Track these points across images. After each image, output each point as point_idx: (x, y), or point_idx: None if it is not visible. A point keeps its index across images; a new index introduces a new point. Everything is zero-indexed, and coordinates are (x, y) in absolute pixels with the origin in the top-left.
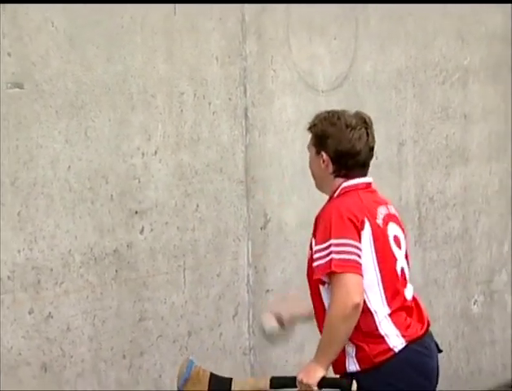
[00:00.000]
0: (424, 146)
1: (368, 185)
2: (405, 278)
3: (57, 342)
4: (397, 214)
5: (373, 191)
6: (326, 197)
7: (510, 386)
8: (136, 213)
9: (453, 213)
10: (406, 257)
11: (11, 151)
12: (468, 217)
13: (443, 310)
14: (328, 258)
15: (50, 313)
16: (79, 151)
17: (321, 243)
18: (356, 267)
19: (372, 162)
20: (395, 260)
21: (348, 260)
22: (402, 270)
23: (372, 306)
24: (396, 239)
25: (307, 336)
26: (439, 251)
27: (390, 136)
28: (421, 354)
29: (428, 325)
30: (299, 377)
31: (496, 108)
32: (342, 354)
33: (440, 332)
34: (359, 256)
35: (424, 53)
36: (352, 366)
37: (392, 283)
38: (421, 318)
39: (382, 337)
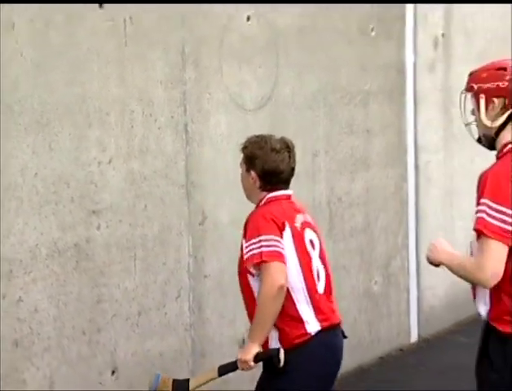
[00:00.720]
0: (333, 155)
1: (289, 197)
2: (319, 276)
3: (26, 322)
4: (312, 222)
5: (292, 202)
6: (244, 199)
7: (401, 349)
8: (93, 212)
9: (357, 211)
10: (322, 258)
11: None
12: (369, 214)
13: (349, 290)
14: (259, 250)
15: (20, 297)
16: (44, 161)
17: (253, 239)
18: (281, 257)
19: None
20: (310, 258)
21: (275, 251)
22: (316, 268)
23: (295, 293)
24: (311, 242)
25: (238, 311)
26: (346, 242)
27: (306, 148)
28: (332, 337)
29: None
30: (238, 356)
31: (391, 124)
32: (268, 337)
33: (347, 308)
34: (282, 248)
35: (333, 79)
36: (275, 346)
37: (309, 276)
38: (333, 310)
39: (302, 322)
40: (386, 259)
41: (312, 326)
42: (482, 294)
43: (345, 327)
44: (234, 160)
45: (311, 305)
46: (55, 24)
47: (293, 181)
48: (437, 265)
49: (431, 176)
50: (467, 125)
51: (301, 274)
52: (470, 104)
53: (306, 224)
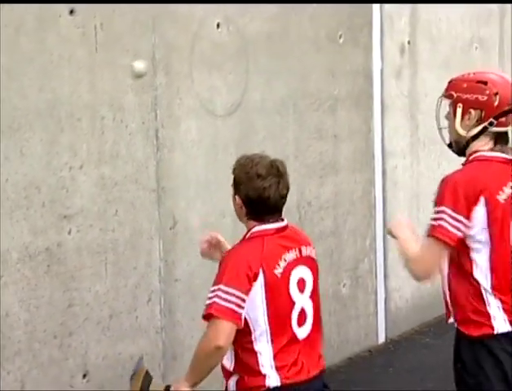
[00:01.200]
0: (303, 160)
1: (279, 230)
2: (304, 319)
3: None
4: (312, 255)
5: (283, 237)
6: (225, 202)
7: (369, 350)
8: (65, 217)
9: (326, 215)
10: (312, 297)
11: None
12: (338, 218)
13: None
14: (211, 301)
15: None
16: (16, 166)
17: (213, 286)
18: (232, 315)
19: None
20: (292, 304)
21: (227, 307)
22: (302, 311)
23: (258, 347)
24: (301, 282)
25: None
26: (315, 245)
27: (276, 152)
28: None
29: (321, 369)
30: (172, 386)
31: (359, 130)
32: (228, 377)
33: None
34: (239, 306)
35: (302, 85)
36: (232, 388)
37: (281, 328)
38: (312, 361)
39: (263, 375)
40: (355, 262)
41: (272, 380)
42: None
43: None
44: (204, 166)
45: (273, 360)
46: (26, 29)
47: None
48: (395, 237)
49: (398, 180)
50: (441, 129)
51: (268, 326)
52: (445, 109)
53: (296, 261)
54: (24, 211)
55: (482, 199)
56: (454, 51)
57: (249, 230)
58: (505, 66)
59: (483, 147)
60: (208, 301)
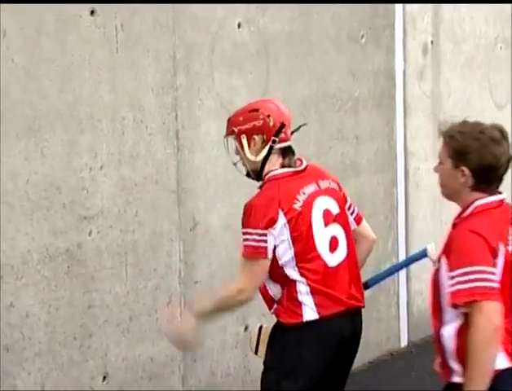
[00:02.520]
0: (324, 161)
1: (500, 203)
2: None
3: (17, 327)
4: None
5: (506, 211)
6: (236, 205)
7: (391, 354)
8: (85, 218)
9: None
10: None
11: None
12: None
13: None
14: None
15: (11, 302)
16: (36, 167)
17: (460, 268)
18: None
19: None
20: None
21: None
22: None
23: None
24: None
25: (229, 317)
26: None
27: (297, 153)
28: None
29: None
30: None
31: (380, 131)
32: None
33: None
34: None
35: (323, 86)
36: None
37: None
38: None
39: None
40: (376, 264)
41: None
42: None
43: None
44: (224, 166)
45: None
46: (47, 30)
47: None
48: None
49: (420, 182)
50: (235, 164)
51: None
52: (233, 146)
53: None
54: (45, 212)
55: (280, 212)
56: (478, 51)
57: (470, 204)
58: None
59: (274, 166)
60: (458, 287)
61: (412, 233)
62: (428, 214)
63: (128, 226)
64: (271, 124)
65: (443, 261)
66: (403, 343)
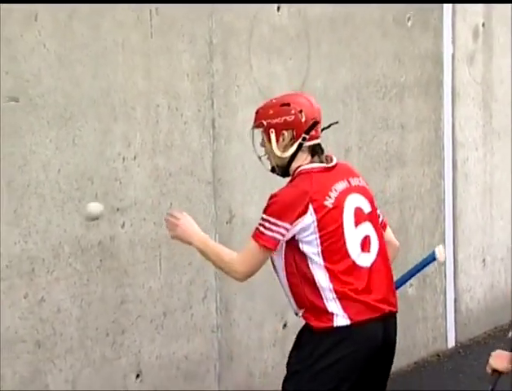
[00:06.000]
0: (367, 151)
1: None
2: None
3: (49, 322)
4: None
5: None
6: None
7: (438, 355)
8: (118, 210)
9: (392, 209)
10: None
11: (7, 156)
12: (404, 213)
13: None
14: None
15: (42, 297)
16: (68, 157)
17: None
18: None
19: None
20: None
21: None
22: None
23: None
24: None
25: (266, 313)
26: None
27: (339, 143)
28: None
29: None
30: None
31: (427, 119)
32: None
33: None
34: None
35: (366, 72)
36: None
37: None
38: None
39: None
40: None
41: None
42: None
43: None
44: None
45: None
46: (79, 15)
47: None
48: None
49: (469, 173)
50: (260, 157)
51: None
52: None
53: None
54: (77, 203)
55: (310, 208)
56: None
57: None
58: None
59: (304, 161)
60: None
61: (461, 227)
62: (477, 207)
63: (162, 218)
64: (303, 120)
65: None
66: (451, 343)
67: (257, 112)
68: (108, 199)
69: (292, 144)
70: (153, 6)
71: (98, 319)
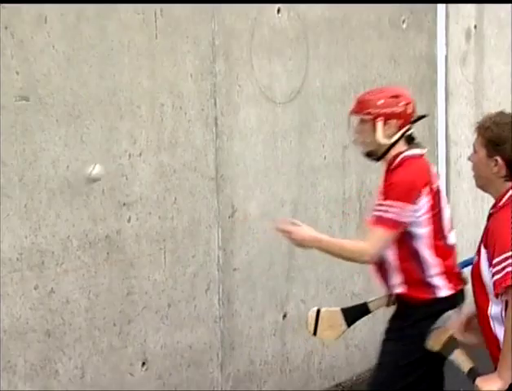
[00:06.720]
0: None
1: None
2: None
3: (58, 313)
4: None
5: None
6: (284, 190)
7: None
8: (124, 204)
9: None
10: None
11: (18, 153)
12: None
13: None
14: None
15: (52, 288)
16: (76, 153)
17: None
18: None
19: (321, 162)
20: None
21: None
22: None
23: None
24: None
25: (267, 305)
26: None
27: (336, 141)
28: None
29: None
30: (477, 382)
31: None
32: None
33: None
34: None
35: (363, 72)
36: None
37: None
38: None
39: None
40: None
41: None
42: None
43: None
44: (263, 153)
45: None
46: (87, 17)
47: (323, 174)
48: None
49: (462, 170)
50: (355, 142)
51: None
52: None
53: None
54: (84, 198)
55: (424, 190)
56: None
57: (505, 193)
58: None
59: (402, 148)
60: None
61: (454, 222)
62: (469, 202)
63: (167, 212)
64: (410, 111)
65: (483, 252)
66: None
67: (362, 101)
68: (115, 195)
69: (395, 133)
70: (158, 7)
71: (105, 310)
